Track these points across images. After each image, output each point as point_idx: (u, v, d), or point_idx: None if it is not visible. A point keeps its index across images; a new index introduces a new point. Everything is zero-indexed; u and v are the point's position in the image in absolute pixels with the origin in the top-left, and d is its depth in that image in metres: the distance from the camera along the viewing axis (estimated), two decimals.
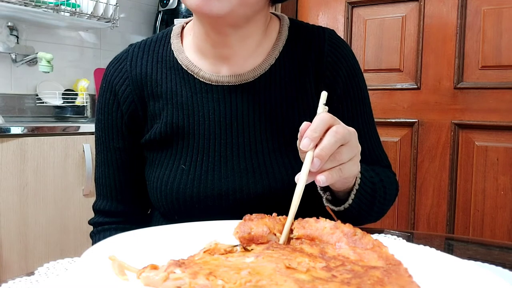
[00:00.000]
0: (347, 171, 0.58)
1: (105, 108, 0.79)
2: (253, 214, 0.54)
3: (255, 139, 0.74)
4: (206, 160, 0.73)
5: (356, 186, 0.68)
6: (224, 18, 0.67)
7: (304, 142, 0.55)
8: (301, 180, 0.55)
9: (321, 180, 0.55)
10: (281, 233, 0.53)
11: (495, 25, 1.80)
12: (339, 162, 0.56)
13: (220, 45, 0.74)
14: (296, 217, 0.55)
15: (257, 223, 0.52)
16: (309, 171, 0.54)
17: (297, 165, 0.74)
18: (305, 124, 0.56)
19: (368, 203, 0.72)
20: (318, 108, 0.61)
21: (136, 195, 0.82)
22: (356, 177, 0.67)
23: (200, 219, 0.59)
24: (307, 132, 0.55)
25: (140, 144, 0.79)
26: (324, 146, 0.54)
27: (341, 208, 0.69)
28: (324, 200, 0.71)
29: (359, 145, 0.60)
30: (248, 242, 0.51)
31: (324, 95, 0.62)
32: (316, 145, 0.55)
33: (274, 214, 0.56)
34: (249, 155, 0.73)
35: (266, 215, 0.55)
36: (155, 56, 0.79)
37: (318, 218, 0.54)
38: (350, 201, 0.68)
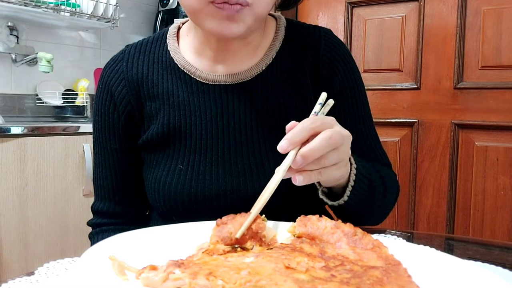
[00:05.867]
0: (326, 175, 0.57)
1: (102, 109, 0.79)
2: (223, 217, 0.52)
3: (252, 139, 0.74)
4: (204, 160, 0.73)
5: (352, 183, 0.66)
6: (240, 36, 0.68)
7: (282, 144, 0.52)
8: (276, 176, 0.53)
9: (298, 180, 0.54)
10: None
11: (495, 25, 1.79)
12: (321, 166, 0.55)
13: (221, 50, 0.75)
14: (298, 215, 0.55)
15: (233, 224, 0.51)
16: (290, 167, 0.53)
17: None
18: (292, 123, 0.54)
19: (365, 201, 0.70)
20: (315, 107, 0.60)
21: (134, 196, 0.82)
22: (351, 174, 0.66)
23: (198, 219, 0.59)
24: (288, 134, 0.53)
25: (138, 145, 0.79)
26: (313, 147, 0.52)
27: (335, 203, 0.68)
28: (319, 192, 0.69)
29: (350, 151, 0.59)
30: (232, 244, 0.50)
31: (323, 96, 0.61)
32: (304, 143, 0.53)
33: (243, 213, 0.54)
34: (246, 155, 0.73)
35: (235, 214, 0.53)
36: (151, 56, 0.79)
37: (321, 216, 0.54)
38: (345, 197, 0.67)
